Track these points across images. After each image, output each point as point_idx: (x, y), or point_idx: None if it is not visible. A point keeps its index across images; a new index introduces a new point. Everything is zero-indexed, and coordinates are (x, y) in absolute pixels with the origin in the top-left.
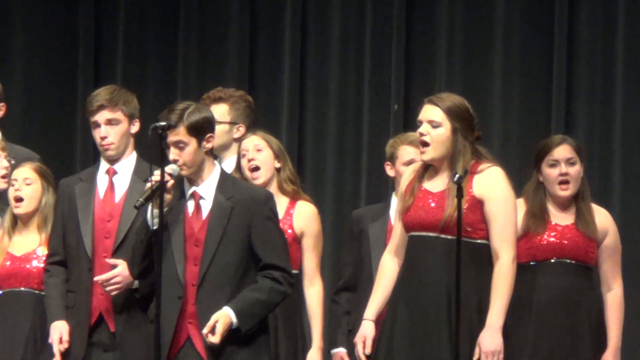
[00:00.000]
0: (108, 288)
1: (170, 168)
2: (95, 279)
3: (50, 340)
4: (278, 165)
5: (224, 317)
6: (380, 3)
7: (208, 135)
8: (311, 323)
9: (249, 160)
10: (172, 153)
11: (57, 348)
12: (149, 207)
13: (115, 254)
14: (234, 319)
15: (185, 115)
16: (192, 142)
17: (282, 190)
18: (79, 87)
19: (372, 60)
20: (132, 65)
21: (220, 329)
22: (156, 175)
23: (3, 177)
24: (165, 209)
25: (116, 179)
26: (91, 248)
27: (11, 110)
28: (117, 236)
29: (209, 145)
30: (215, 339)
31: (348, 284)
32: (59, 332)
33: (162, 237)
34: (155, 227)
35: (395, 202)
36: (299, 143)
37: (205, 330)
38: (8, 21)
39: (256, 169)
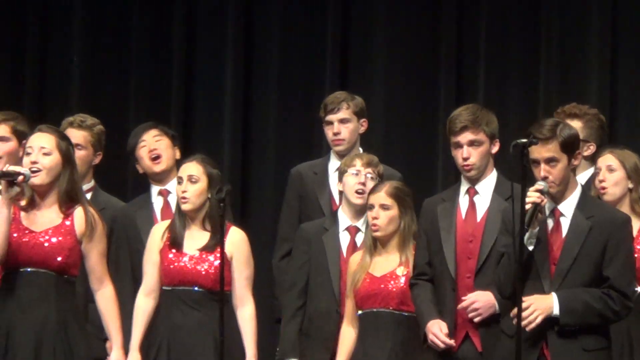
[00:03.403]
0: (471, 314)
1: (540, 185)
2: (459, 307)
3: (430, 338)
4: (631, 185)
5: (546, 301)
6: None
7: (577, 152)
8: None
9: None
10: (543, 170)
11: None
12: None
13: (478, 274)
14: (556, 307)
15: (558, 131)
16: (564, 159)
17: (634, 210)
18: (440, 107)
19: None
20: (492, 84)
21: (538, 313)
22: (532, 197)
23: (358, 192)
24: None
25: (477, 198)
26: (454, 269)
27: (373, 130)
28: (479, 257)
29: (576, 162)
30: (534, 323)
31: None
32: (438, 326)
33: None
34: (532, 247)
35: None
36: None
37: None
38: (372, 44)
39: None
